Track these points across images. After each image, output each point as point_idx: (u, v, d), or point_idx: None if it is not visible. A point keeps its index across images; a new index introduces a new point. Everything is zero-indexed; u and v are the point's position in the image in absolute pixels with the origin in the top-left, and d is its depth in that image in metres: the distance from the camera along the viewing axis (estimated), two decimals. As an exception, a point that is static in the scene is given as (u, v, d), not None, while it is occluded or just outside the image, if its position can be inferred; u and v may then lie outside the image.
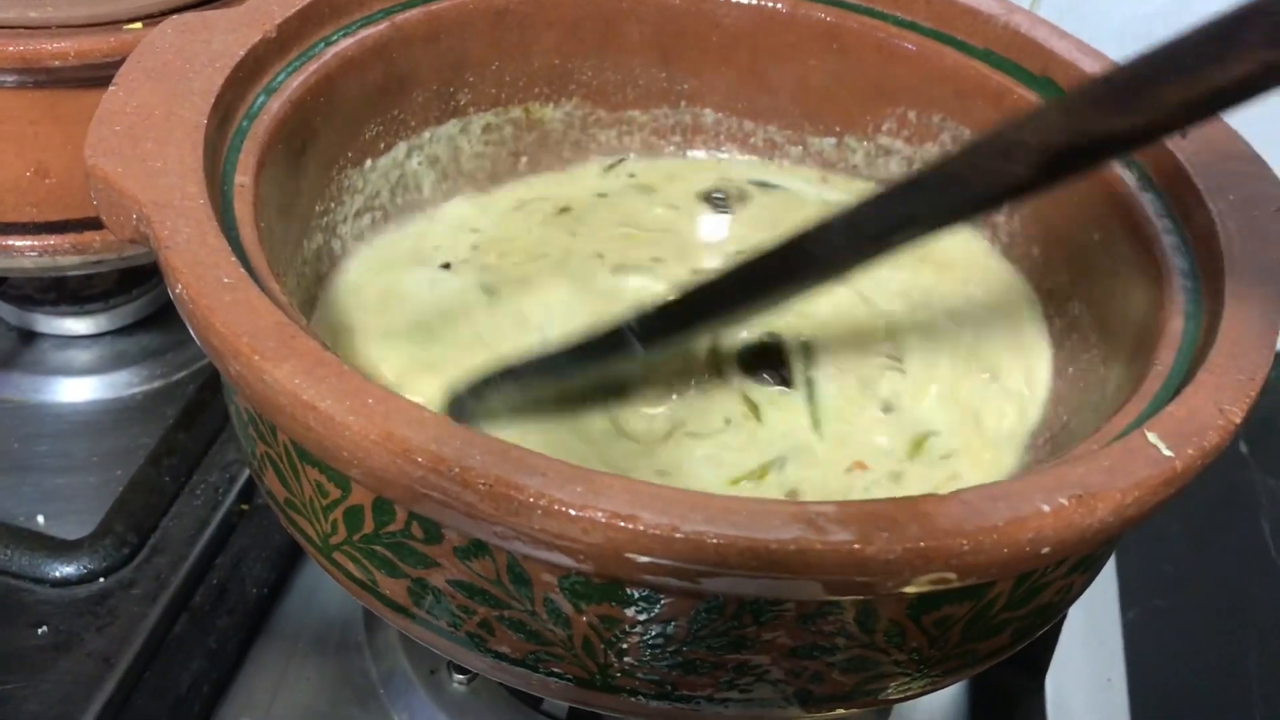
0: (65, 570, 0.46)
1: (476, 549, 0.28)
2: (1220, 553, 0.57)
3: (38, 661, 0.43)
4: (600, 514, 0.25)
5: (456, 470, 0.26)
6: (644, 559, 0.25)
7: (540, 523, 0.25)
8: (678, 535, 0.25)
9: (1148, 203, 0.38)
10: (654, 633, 0.29)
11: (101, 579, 0.46)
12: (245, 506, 0.50)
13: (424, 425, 0.26)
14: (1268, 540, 0.58)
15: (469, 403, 0.37)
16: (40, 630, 0.44)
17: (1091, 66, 0.42)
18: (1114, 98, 0.25)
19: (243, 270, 0.30)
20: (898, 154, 0.47)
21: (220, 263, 0.30)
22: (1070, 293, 0.41)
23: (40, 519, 0.49)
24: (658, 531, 0.25)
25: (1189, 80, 0.23)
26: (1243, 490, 0.59)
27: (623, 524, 0.25)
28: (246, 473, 0.51)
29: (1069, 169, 0.26)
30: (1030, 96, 0.43)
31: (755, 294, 0.33)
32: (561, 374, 0.38)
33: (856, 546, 0.25)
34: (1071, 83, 0.42)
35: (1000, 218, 0.44)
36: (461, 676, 0.45)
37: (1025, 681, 0.47)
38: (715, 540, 0.25)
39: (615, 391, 0.39)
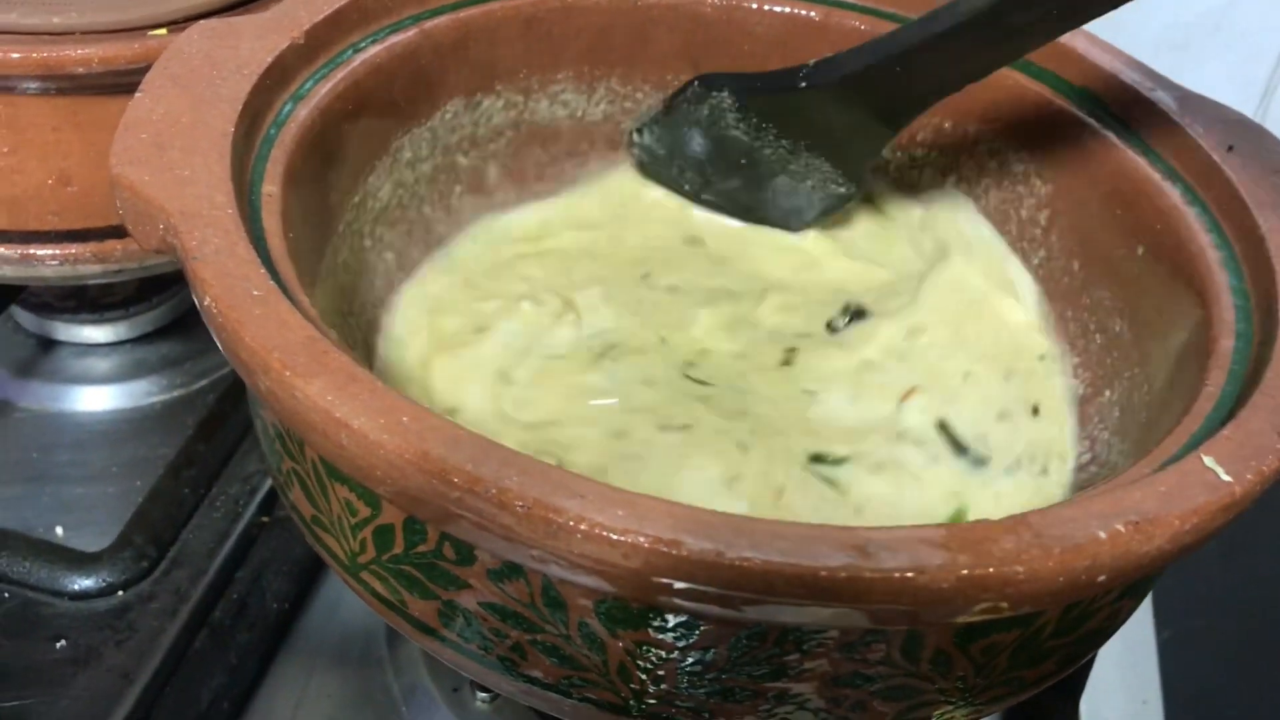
0: (84, 583, 0.45)
1: (510, 571, 0.28)
2: (1254, 571, 0.56)
3: (56, 676, 0.43)
4: (643, 538, 0.24)
5: (494, 491, 0.25)
6: (686, 585, 0.25)
7: (580, 547, 0.25)
8: (723, 561, 0.24)
9: (1194, 217, 0.38)
10: (692, 659, 0.28)
11: (120, 592, 0.46)
12: (266, 519, 0.49)
13: (460, 444, 0.26)
14: (1304, 560, 0.57)
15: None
16: (59, 644, 0.44)
17: (1133, 77, 0.41)
18: None
19: (272, 282, 0.29)
20: (932, 166, 0.46)
21: (250, 274, 0.29)
22: (1111, 308, 0.40)
23: (59, 530, 0.48)
24: (702, 557, 0.24)
25: None
26: (1276, 508, 0.58)
27: (665, 549, 0.24)
28: (267, 484, 0.50)
29: None
30: (1070, 108, 0.42)
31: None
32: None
33: (910, 575, 0.24)
34: (1113, 93, 0.41)
35: (1039, 230, 0.43)
36: (485, 695, 0.44)
37: (1061, 704, 0.46)
38: (762, 566, 0.24)
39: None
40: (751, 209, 0.46)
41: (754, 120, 0.43)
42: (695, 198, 0.47)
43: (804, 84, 0.42)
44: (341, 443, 0.26)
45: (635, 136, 0.47)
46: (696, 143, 0.45)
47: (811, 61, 0.42)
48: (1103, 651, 0.48)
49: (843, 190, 0.44)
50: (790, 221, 0.46)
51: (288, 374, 0.27)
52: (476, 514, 0.25)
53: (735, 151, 0.44)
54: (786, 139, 0.43)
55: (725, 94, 0.43)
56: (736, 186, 0.45)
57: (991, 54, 0.39)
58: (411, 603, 0.31)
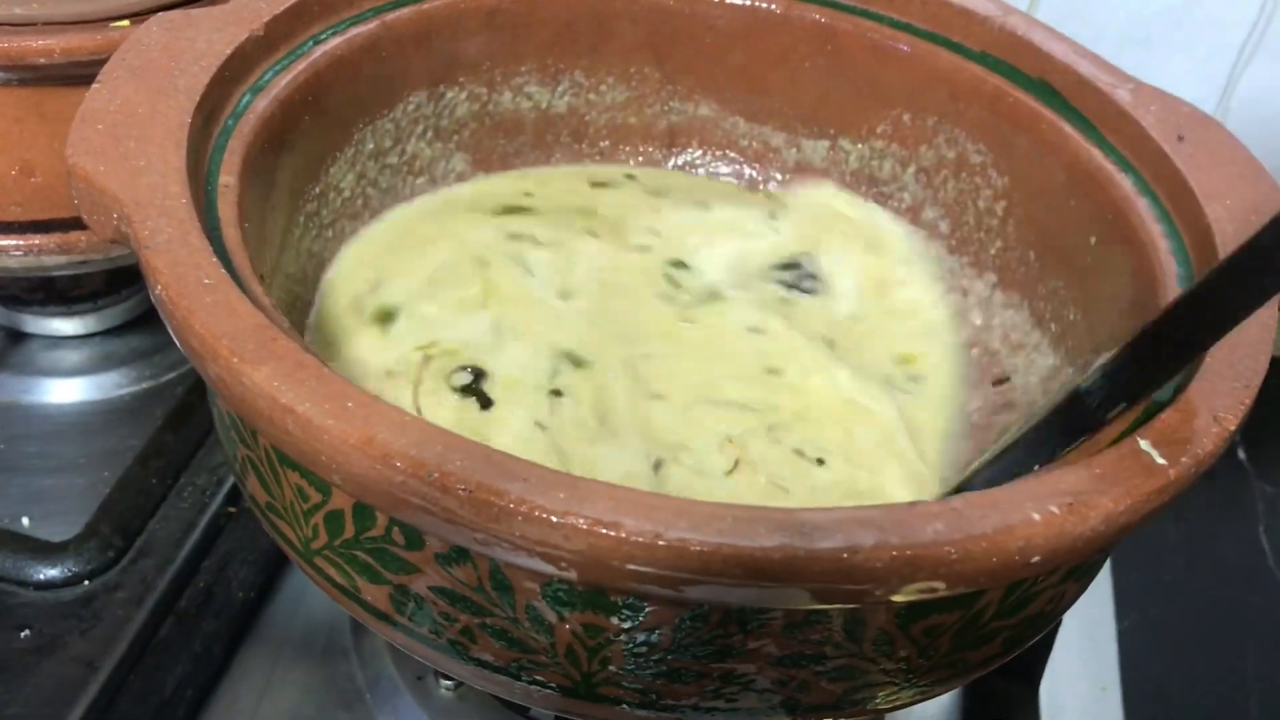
0: (50, 573, 0.46)
1: (458, 555, 0.28)
2: (1217, 561, 0.57)
3: (20, 665, 0.43)
4: (582, 520, 0.25)
5: (436, 475, 0.25)
6: (627, 566, 0.25)
7: (521, 529, 0.25)
8: (661, 542, 0.24)
9: (1145, 208, 0.38)
10: (638, 641, 0.28)
11: (86, 582, 0.46)
12: (232, 510, 0.49)
13: (405, 429, 0.26)
14: (1265, 548, 0.57)
15: None
16: (23, 633, 0.44)
17: (1089, 70, 0.41)
18: None
19: (224, 271, 0.29)
20: (892, 157, 0.47)
21: (201, 264, 0.29)
22: (1066, 297, 0.41)
23: (25, 521, 0.48)
24: (641, 539, 0.24)
25: None
26: (1240, 498, 0.59)
27: (605, 530, 0.25)
28: (234, 475, 0.50)
29: None
30: (1026, 100, 0.42)
31: None
32: None
33: (844, 555, 0.24)
34: (1069, 85, 0.41)
35: (995, 220, 0.44)
36: (449, 683, 0.45)
37: (1020, 690, 0.47)
38: (699, 548, 0.24)
39: None
40: None
41: None
42: None
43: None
44: (288, 428, 0.26)
45: None
46: None
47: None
48: (1062, 638, 0.49)
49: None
50: None
51: (235, 360, 0.27)
52: (421, 498, 0.26)
53: None
54: None
55: None
56: None
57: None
58: (365, 588, 0.31)
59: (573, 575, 0.26)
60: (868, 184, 0.47)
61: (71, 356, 0.55)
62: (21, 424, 0.53)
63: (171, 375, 0.55)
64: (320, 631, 0.47)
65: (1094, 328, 0.39)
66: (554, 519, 0.25)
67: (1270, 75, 0.60)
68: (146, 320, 0.56)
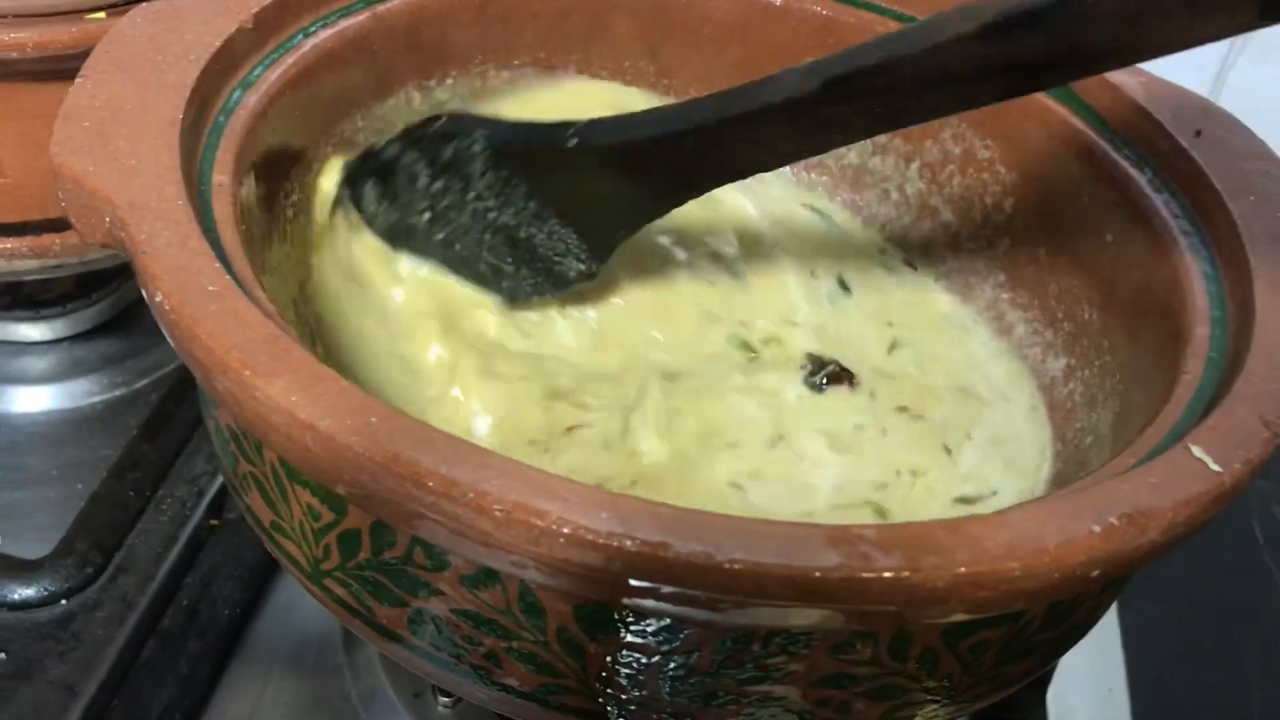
0: (24, 593, 0.43)
1: (486, 577, 0.26)
2: (1214, 556, 0.56)
3: (-4, 691, 0.41)
4: (630, 542, 0.23)
5: (471, 495, 0.24)
6: (675, 590, 0.24)
7: (563, 551, 0.24)
8: (714, 563, 0.23)
9: (1162, 203, 0.37)
10: (675, 664, 0.27)
11: (63, 601, 0.44)
12: (215, 521, 0.47)
13: (433, 446, 0.24)
14: (1260, 543, 0.57)
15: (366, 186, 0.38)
16: (-2, 657, 0.42)
17: (1099, 63, 0.40)
18: None
19: (228, 277, 0.28)
20: (894, 152, 0.46)
21: (204, 269, 0.28)
22: (1081, 296, 0.40)
23: (-4, 538, 0.46)
24: (693, 560, 0.23)
25: None
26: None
27: (654, 552, 0.23)
28: (216, 485, 0.48)
29: None
30: (1037, 94, 0.41)
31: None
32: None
33: (905, 574, 0.23)
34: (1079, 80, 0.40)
35: (1003, 217, 0.43)
36: (447, 699, 0.43)
37: (1027, 695, 0.46)
38: (753, 568, 0.23)
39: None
40: (464, 266, 0.40)
41: (504, 174, 0.38)
42: (395, 242, 0.40)
43: (573, 142, 0.37)
44: (307, 445, 0.25)
45: (355, 164, 0.39)
46: (421, 184, 0.38)
47: (586, 120, 0.37)
48: (1068, 640, 0.48)
49: (582, 268, 0.39)
50: (506, 292, 0.40)
51: (248, 374, 0.25)
52: (452, 519, 0.24)
53: (467, 203, 0.39)
54: (535, 200, 0.38)
55: (476, 137, 0.38)
56: (451, 240, 0.39)
57: (794, 144, 0.35)
58: (379, 610, 0.29)
59: (612, 598, 0.25)
60: (869, 180, 0.46)
61: (39, 363, 0.53)
62: (-13, 435, 0.51)
63: (146, 381, 0.52)
64: (311, 647, 0.45)
65: (1108, 327, 0.39)
66: (598, 540, 0.23)
67: (1260, 69, 0.60)
68: (118, 323, 0.54)
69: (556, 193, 0.38)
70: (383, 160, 0.38)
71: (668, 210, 0.38)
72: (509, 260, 0.39)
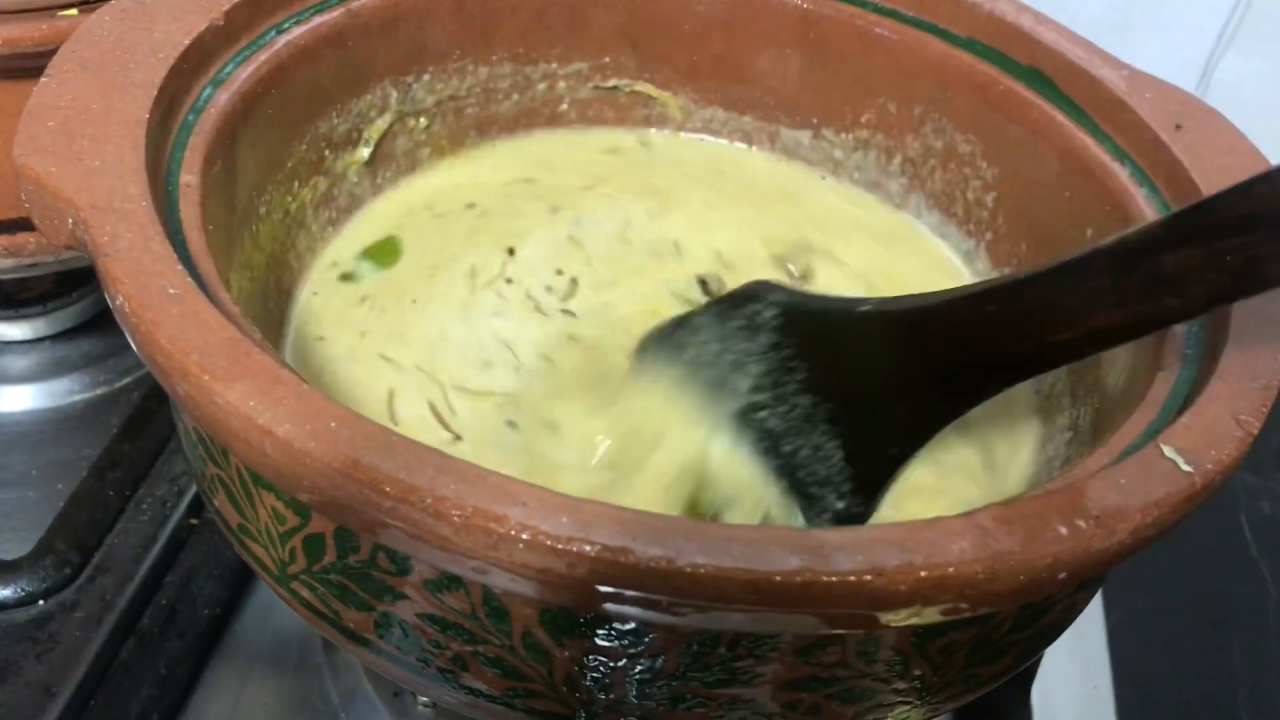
0: (2, 593, 0.43)
1: (450, 582, 0.26)
2: (1201, 552, 0.56)
3: (-28, 693, 0.40)
4: (589, 547, 0.23)
5: (429, 501, 0.23)
6: (637, 594, 0.23)
7: (523, 557, 0.23)
8: (675, 568, 0.23)
9: (1143, 198, 0.37)
10: (641, 667, 0.27)
11: (41, 601, 0.43)
12: (195, 521, 0.47)
13: (392, 451, 0.24)
14: (1248, 538, 0.57)
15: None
16: (-25, 659, 0.42)
17: (1081, 56, 0.40)
18: None
19: (190, 279, 0.28)
20: (877, 147, 0.45)
21: (165, 271, 0.27)
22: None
23: (-26, 538, 0.46)
24: (654, 565, 0.23)
25: None
26: (1222, 488, 0.58)
27: (614, 557, 0.23)
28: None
29: None
30: (1017, 88, 0.41)
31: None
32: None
33: (867, 578, 0.23)
34: (1061, 73, 0.40)
35: (985, 212, 0.43)
36: (426, 699, 0.43)
37: (1012, 692, 0.46)
38: (714, 572, 0.23)
39: None
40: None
41: (786, 354, 0.33)
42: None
43: (866, 307, 0.33)
44: (266, 451, 0.25)
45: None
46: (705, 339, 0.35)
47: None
48: (1053, 637, 0.48)
49: (840, 506, 0.32)
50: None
51: (207, 378, 0.25)
52: (411, 524, 0.24)
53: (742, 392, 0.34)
54: (809, 395, 0.32)
55: (772, 302, 0.34)
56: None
57: (1120, 313, 0.28)
58: (345, 614, 0.29)
59: (576, 602, 0.25)
60: (851, 174, 0.46)
61: (19, 362, 0.52)
62: (-33, 435, 0.50)
63: (127, 380, 0.52)
64: (291, 647, 0.45)
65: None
66: (558, 545, 0.23)
67: (1248, 60, 0.59)
68: (99, 323, 0.54)
69: (832, 379, 0.33)
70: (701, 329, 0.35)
71: (952, 416, 0.32)
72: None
